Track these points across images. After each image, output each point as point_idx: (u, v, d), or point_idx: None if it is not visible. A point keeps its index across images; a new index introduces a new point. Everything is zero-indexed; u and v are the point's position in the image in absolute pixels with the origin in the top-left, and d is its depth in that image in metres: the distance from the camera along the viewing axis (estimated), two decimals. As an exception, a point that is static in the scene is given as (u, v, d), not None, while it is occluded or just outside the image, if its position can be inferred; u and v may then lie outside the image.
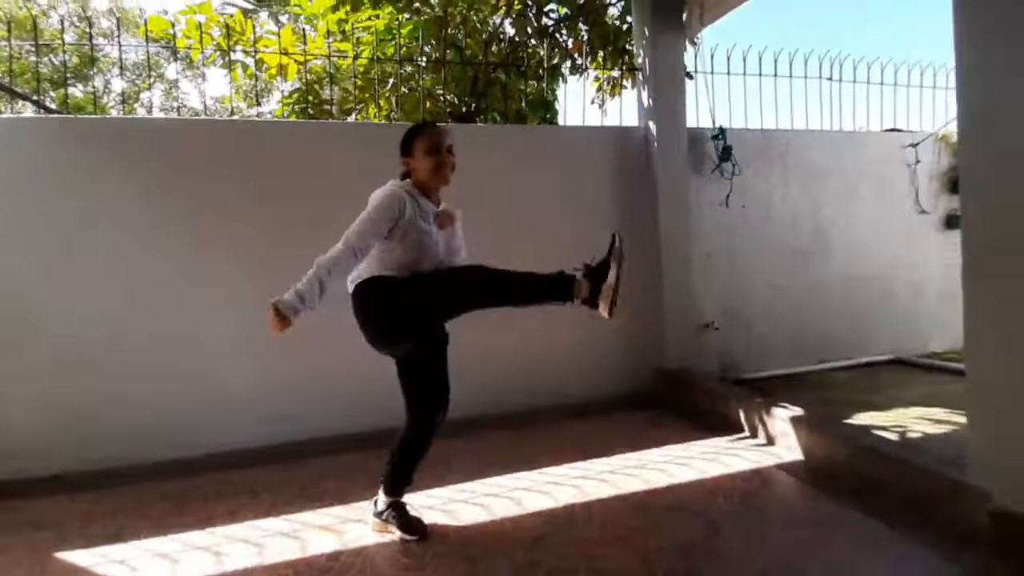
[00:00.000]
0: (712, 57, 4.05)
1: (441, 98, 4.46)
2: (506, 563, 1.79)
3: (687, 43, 4.05)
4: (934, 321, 4.50)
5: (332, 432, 2.99)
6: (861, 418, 3.02)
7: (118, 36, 3.52)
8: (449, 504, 2.24)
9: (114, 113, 9.41)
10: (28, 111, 6.90)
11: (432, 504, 2.24)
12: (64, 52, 4.55)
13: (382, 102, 4.51)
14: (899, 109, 4.58)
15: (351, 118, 4.61)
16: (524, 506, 2.16)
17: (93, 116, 3.22)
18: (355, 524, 2.11)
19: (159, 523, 2.19)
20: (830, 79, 4.31)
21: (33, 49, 3.79)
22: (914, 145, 4.47)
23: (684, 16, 3.90)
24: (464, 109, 4.77)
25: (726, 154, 3.92)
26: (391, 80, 4.45)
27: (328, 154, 3.17)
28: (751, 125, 4.20)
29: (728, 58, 4.05)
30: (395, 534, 1.97)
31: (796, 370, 4.10)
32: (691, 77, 4.10)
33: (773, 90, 4.22)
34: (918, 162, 4.49)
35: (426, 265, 1.88)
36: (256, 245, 3.03)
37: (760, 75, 4.14)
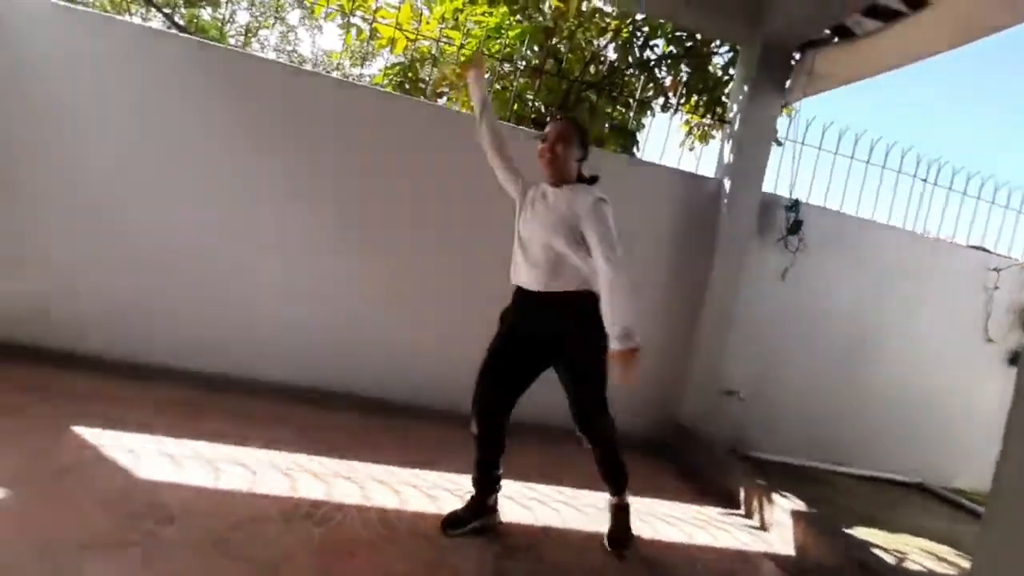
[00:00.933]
0: (807, 128, 3.98)
1: (530, 103, 4.55)
2: (475, 564, 1.83)
3: (783, 109, 4.00)
4: (970, 455, 4.26)
5: (352, 390, 3.11)
6: (861, 532, 2.90)
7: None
8: (434, 490, 2.29)
9: (232, 42, 9.99)
10: (156, 21, 7.44)
11: (418, 485, 2.30)
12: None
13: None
14: (990, 228, 4.37)
15: (440, 101, 4.76)
16: (504, 514, 2.19)
17: (220, 45, 3.46)
18: (344, 480, 2.19)
19: (173, 425, 2.35)
20: (924, 180, 4.15)
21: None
22: (998, 270, 4.26)
23: (789, 81, 3.86)
24: (548, 119, 4.84)
25: (795, 227, 3.84)
26: (487, 75, 4.57)
27: (415, 129, 3.30)
28: (829, 205, 4.10)
29: (823, 133, 3.97)
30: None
31: (810, 464, 3.96)
32: (780, 144, 4.05)
33: (862, 175, 4.10)
34: (997, 288, 4.27)
35: (528, 251, 2.01)
36: (324, 196, 3.20)
37: (852, 158, 4.03)
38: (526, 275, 2.00)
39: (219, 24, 9.42)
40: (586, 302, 1.94)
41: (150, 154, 3.03)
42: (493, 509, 2.08)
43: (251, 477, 2.06)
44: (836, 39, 3.80)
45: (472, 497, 2.06)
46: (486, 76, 2.05)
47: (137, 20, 6.82)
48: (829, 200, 4.09)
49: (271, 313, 3.15)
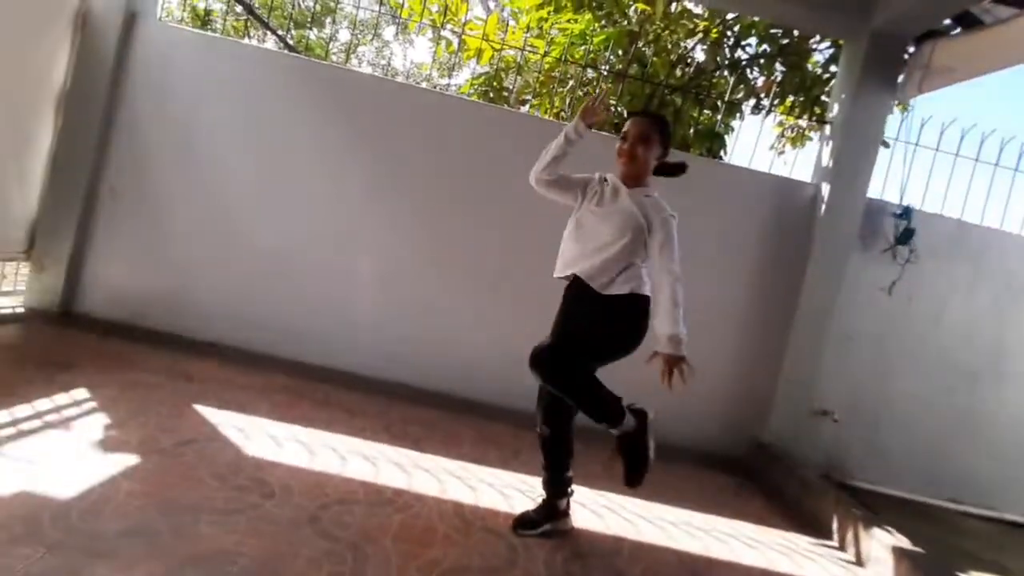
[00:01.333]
0: (921, 128, 3.62)
1: (613, 108, 4.51)
2: (543, 563, 1.84)
3: (894, 107, 3.67)
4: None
5: (431, 387, 3.27)
6: (980, 578, 2.58)
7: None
8: (508, 489, 2.34)
9: (334, 59, 10.81)
10: (270, 42, 8.20)
11: (492, 483, 2.36)
12: (315, 0, 5.31)
13: (556, 100, 4.68)
14: None
15: (524, 108, 4.84)
16: (583, 518, 2.19)
17: (324, 62, 3.77)
18: (423, 472, 2.30)
19: (275, 409, 2.59)
20: (1069, 186, 3.63)
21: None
22: None
23: (901, 77, 3.53)
24: (627, 117, 4.78)
25: (906, 236, 3.50)
26: (571, 81, 4.59)
27: (499, 137, 3.40)
28: (947, 212, 3.70)
29: (941, 133, 3.59)
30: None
31: (918, 499, 3.58)
32: (887, 146, 3.71)
33: (988, 179, 3.66)
34: None
35: (582, 244, 1.96)
36: (418, 202, 3.38)
37: (977, 160, 3.62)
38: (579, 263, 1.93)
39: (324, 43, 10.23)
40: (636, 306, 1.92)
41: (265, 163, 3.36)
42: (564, 513, 2.07)
43: (341, 462, 2.22)
44: (959, 29, 3.44)
45: (543, 500, 2.06)
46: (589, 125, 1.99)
47: (255, 42, 7.56)
48: (947, 207, 3.69)
49: (366, 311, 3.39)
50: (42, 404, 2.12)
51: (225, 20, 4.04)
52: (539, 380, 1.93)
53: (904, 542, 2.36)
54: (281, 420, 2.48)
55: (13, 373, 2.36)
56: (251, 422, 2.39)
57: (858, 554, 2.46)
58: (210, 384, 2.72)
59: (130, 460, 1.87)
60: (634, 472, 1.98)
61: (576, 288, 1.96)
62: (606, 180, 2.04)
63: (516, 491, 2.34)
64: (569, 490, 2.06)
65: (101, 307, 3.29)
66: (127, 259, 3.32)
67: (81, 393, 2.29)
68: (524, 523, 2.01)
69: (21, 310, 3.15)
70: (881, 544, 2.36)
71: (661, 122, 2.01)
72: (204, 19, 7.62)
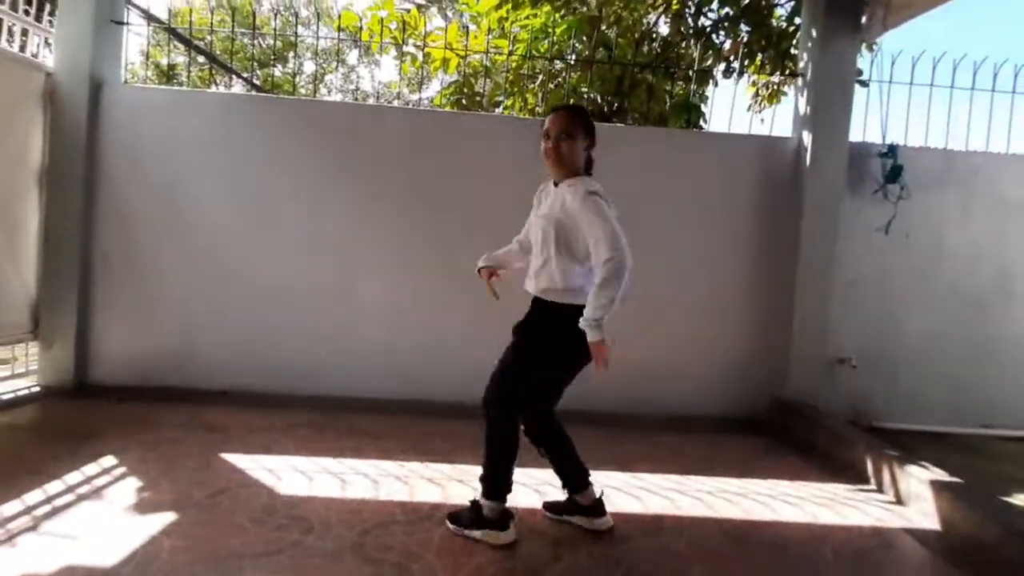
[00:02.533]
0: (893, 64, 3.62)
1: (586, 96, 4.52)
2: (588, 556, 1.85)
3: (863, 47, 3.66)
4: None
5: (446, 398, 3.27)
6: (1022, 499, 2.58)
7: (316, 26, 4.10)
8: (544, 486, 2.34)
9: (303, 92, 10.84)
10: (237, 86, 8.24)
11: (526, 483, 2.36)
12: (275, 37, 5.35)
13: (529, 96, 4.70)
14: None
15: (498, 110, 4.86)
16: (613, 504, 2.19)
17: (293, 97, 3.80)
18: (456, 483, 2.31)
19: (301, 445, 2.61)
20: (1047, 97, 3.63)
21: (248, 32, 4.54)
22: None
23: (864, 17, 3.53)
24: (606, 108, 4.79)
25: (894, 174, 3.51)
26: (540, 76, 4.61)
27: (474, 141, 3.42)
28: (932, 143, 3.69)
29: (913, 66, 3.59)
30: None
31: (948, 430, 3.58)
32: (865, 84, 3.71)
33: (968, 104, 3.66)
34: None
35: (534, 249, 1.93)
36: (404, 219, 3.39)
37: (952, 87, 3.62)
38: (531, 280, 1.91)
39: (290, 78, 10.26)
40: (569, 314, 1.76)
41: (250, 205, 3.38)
42: (592, 510, 2.00)
43: (374, 486, 2.23)
44: (913, -39, 3.44)
45: (568, 497, 2.05)
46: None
47: (223, 88, 7.59)
48: (931, 139, 3.69)
49: (371, 335, 3.41)
50: (72, 477, 2.14)
51: (189, 72, 4.07)
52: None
53: (941, 475, 2.37)
54: (308, 455, 2.50)
55: (39, 451, 2.38)
56: (279, 462, 2.41)
57: (897, 494, 2.46)
58: (232, 431, 2.73)
59: (168, 518, 1.89)
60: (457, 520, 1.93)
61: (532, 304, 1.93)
62: (544, 187, 2.00)
63: (551, 487, 2.34)
64: (584, 483, 1.99)
65: (113, 374, 3.32)
66: (130, 323, 3.35)
67: (108, 460, 2.31)
68: (551, 506, 2.06)
69: (36, 389, 3.17)
70: (919, 480, 2.36)
71: (580, 112, 1.93)
72: (169, 74, 7.66)
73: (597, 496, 2.02)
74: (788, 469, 2.76)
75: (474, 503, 1.91)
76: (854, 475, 2.70)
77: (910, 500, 2.39)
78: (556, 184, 1.89)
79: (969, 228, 3.65)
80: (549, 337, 1.83)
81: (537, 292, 1.88)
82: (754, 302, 3.54)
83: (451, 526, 1.93)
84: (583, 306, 1.72)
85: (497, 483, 1.88)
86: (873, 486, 2.60)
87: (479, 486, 1.91)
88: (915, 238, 3.62)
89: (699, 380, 3.51)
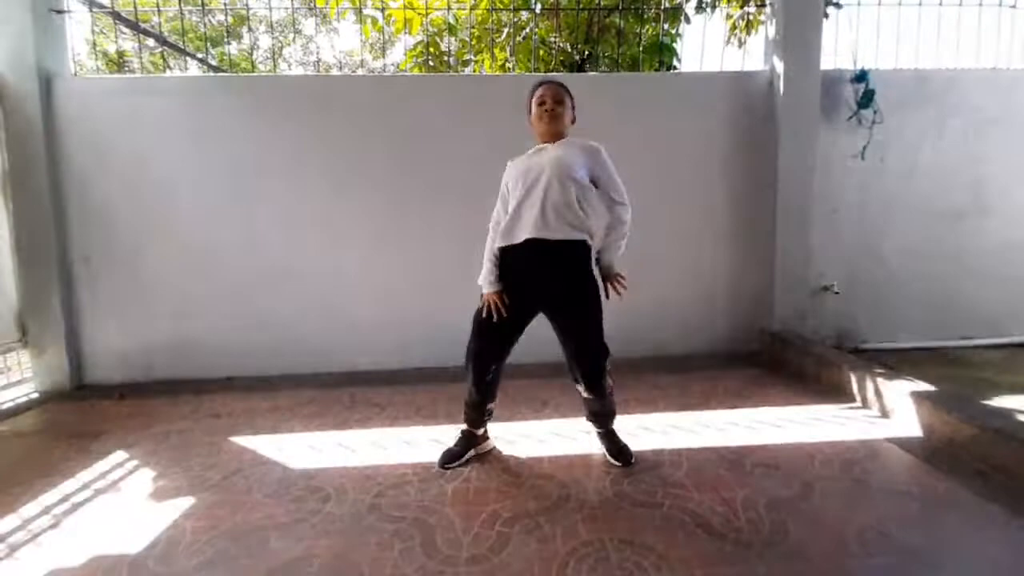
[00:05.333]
0: (861, -14, 3.57)
1: (554, 46, 4.42)
2: (595, 492, 1.95)
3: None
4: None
5: (447, 363, 3.33)
6: (1004, 401, 2.72)
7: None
8: (545, 436, 2.44)
9: (262, 68, 10.44)
10: (192, 67, 7.91)
11: (529, 434, 2.45)
12: (226, 13, 5.11)
13: (497, 51, 4.58)
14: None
15: (467, 69, 4.74)
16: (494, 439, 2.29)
17: (252, 74, 3.67)
18: (462, 442, 2.38)
19: (307, 422, 2.66)
20: (1013, 6, 3.61)
21: (197, 9, 4.34)
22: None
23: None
24: (577, 57, 4.69)
25: (867, 99, 3.52)
26: (506, 29, 4.48)
27: (446, 104, 3.35)
28: (903, 64, 3.69)
29: (882, -15, 3.55)
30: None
31: (930, 344, 3.73)
32: (839, 6, 3.66)
33: (936, 22, 3.64)
34: None
35: (531, 202, 1.98)
36: (383, 186, 3.36)
37: (920, 3, 3.58)
38: (542, 224, 1.96)
39: (247, 55, 9.86)
40: (588, 252, 2.05)
41: (223, 188, 3.33)
42: (485, 437, 2.27)
43: (383, 452, 2.30)
44: None
45: (465, 432, 2.22)
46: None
47: (178, 72, 7.29)
48: (902, 60, 3.68)
49: (365, 307, 3.43)
50: (85, 475, 2.18)
51: (141, 58, 3.89)
52: (588, 389, 2.11)
53: (922, 386, 2.49)
54: (316, 430, 2.56)
55: (48, 454, 2.41)
56: (289, 439, 2.47)
57: (882, 408, 2.59)
58: (238, 416, 2.78)
59: (186, 502, 1.95)
60: (626, 450, 2.19)
61: (553, 254, 1.97)
62: (524, 155, 2.12)
63: (554, 435, 2.43)
64: (489, 418, 2.25)
65: (111, 373, 3.33)
66: (121, 320, 3.33)
67: (119, 456, 2.35)
68: (450, 458, 2.16)
69: (35, 395, 3.18)
70: (901, 393, 2.48)
71: (566, 87, 2.13)
72: (119, 62, 7.33)
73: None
74: (779, 396, 2.88)
75: (614, 434, 2.22)
76: (841, 395, 2.82)
77: (894, 412, 2.52)
78: (553, 142, 2.07)
79: (943, 145, 3.69)
80: (594, 282, 2.05)
81: (563, 236, 1.96)
82: (737, 238, 3.60)
83: (449, 466, 2.15)
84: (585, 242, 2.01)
85: (613, 410, 2.22)
86: (859, 403, 2.73)
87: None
88: (890, 160, 3.66)
89: (689, 320, 3.60)
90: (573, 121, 2.16)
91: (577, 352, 2.05)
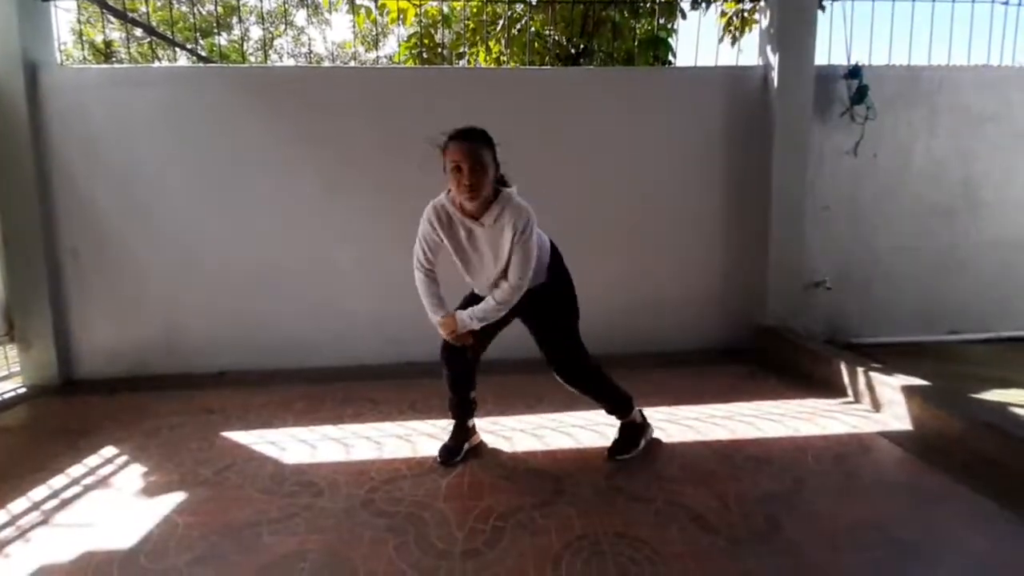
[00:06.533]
0: (855, -17, 3.57)
1: (549, 39, 4.40)
2: (589, 486, 1.95)
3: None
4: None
5: (437, 358, 3.30)
6: (990, 395, 2.75)
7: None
8: (539, 430, 2.44)
9: (252, 60, 10.32)
10: (181, 59, 7.81)
11: (523, 428, 2.45)
12: (215, 2, 5.03)
13: (492, 44, 4.54)
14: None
15: (462, 62, 4.70)
16: (608, 439, 2.29)
17: (242, 65, 3.62)
18: (456, 437, 2.38)
19: (300, 417, 2.65)
20: (1005, 3, 3.63)
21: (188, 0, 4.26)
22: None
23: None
24: (572, 51, 4.67)
25: (860, 95, 3.53)
26: (501, 21, 4.45)
27: (440, 98, 3.33)
28: (896, 61, 3.71)
29: (875, -17, 3.55)
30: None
31: (919, 339, 3.77)
32: (823, 9, 3.66)
33: (929, 18, 3.65)
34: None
35: (477, 280, 2.03)
36: (376, 180, 3.33)
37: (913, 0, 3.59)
38: (486, 292, 2.01)
39: (237, 46, 9.73)
40: (556, 261, 2.06)
41: (212, 180, 3.29)
42: (474, 430, 2.27)
43: (377, 447, 2.30)
44: None
45: (456, 426, 2.21)
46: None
47: (167, 63, 7.19)
48: (895, 56, 3.70)
49: (357, 301, 3.41)
50: (75, 471, 2.16)
51: (128, 48, 3.82)
52: (567, 383, 2.12)
53: (912, 381, 2.51)
54: (309, 425, 2.54)
55: (37, 449, 2.38)
56: (281, 434, 2.45)
57: (873, 402, 2.61)
58: (230, 411, 2.76)
59: (178, 497, 1.93)
60: (626, 446, 2.19)
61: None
62: (448, 214, 1.93)
63: (548, 430, 2.44)
64: (474, 409, 2.24)
65: (100, 368, 3.29)
66: (109, 314, 3.29)
67: (109, 451, 2.33)
68: (450, 452, 2.15)
69: (23, 391, 3.14)
70: (891, 387, 2.51)
71: (485, 137, 1.86)
72: (107, 52, 7.21)
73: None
74: (771, 390, 2.90)
75: (623, 428, 2.21)
76: (833, 390, 2.85)
77: (884, 407, 2.54)
78: (474, 216, 1.88)
79: (935, 142, 3.72)
80: (565, 288, 2.07)
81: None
82: (730, 234, 3.61)
83: (620, 457, 2.14)
84: (547, 261, 2.03)
85: (622, 400, 2.19)
86: (850, 398, 2.75)
87: (613, 421, 2.25)
88: (883, 157, 3.68)
89: (683, 316, 3.60)
90: (497, 171, 1.88)
91: (541, 341, 2.09)
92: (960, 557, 1.57)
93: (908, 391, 2.43)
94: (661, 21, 4.58)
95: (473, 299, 2.08)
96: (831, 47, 3.67)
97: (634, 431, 2.21)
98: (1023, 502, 1.79)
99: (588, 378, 2.14)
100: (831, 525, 1.71)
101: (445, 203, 1.93)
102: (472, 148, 1.79)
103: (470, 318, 1.97)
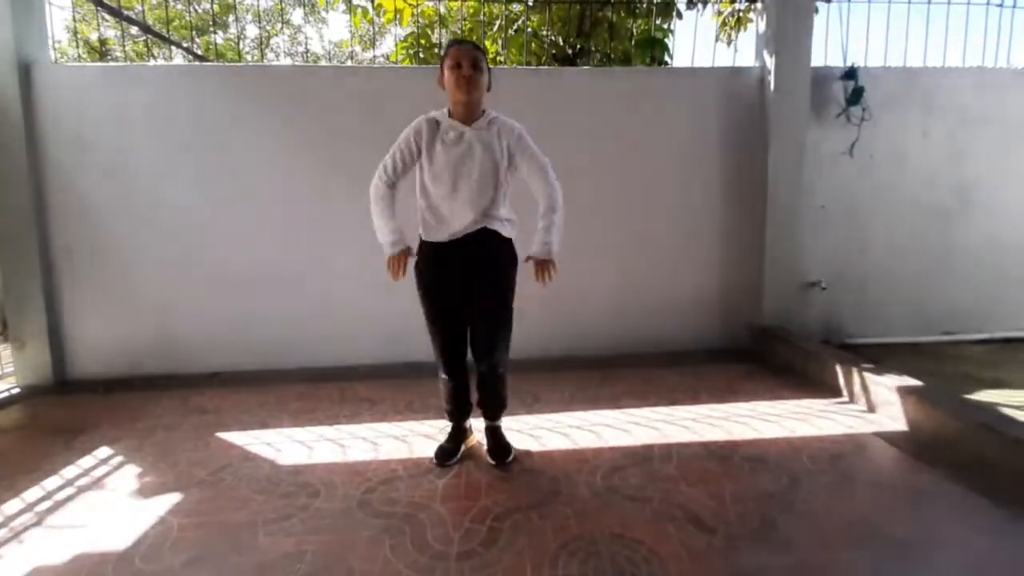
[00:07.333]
0: (851, -16, 3.58)
1: (546, 39, 4.39)
2: (586, 486, 1.95)
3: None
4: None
5: (433, 358, 3.31)
6: (984, 395, 2.77)
7: (254, -13, 3.85)
8: (536, 431, 2.44)
9: (249, 58, 10.28)
10: (178, 56, 7.77)
11: (520, 429, 2.45)
12: (212, 1, 5.01)
13: (488, 44, 4.54)
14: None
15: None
16: (604, 440, 2.30)
17: (239, 64, 3.60)
18: (453, 437, 2.37)
19: (296, 417, 2.64)
20: (1000, 5, 3.65)
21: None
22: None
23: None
24: (569, 51, 4.67)
25: (856, 97, 3.54)
26: (498, 21, 4.44)
27: (437, 98, 3.31)
28: (892, 62, 3.72)
29: (871, -16, 3.57)
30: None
31: (914, 339, 3.78)
32: (816, 11, 3.67)
33: (925, 20, 3.67)
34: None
35: (455, 193, 1.94)
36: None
37: (909, 1, 3.61)
38: (459, 219, 1.94)
39: (233, 44, 9.70)
40: (509, 246, 2.03)
41: (207, 180, 3.27)
42: (470, 431, 2.28)
43: (373, 447, 2.29)
44: None
45: (454, 428, 2.21)
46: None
47: (162, 61, 7.16)
48: (891, 58, 3.71)
49: (352, 301, 3.39)
50: (69, 471, 2.15)
51: (124, 46, 3.80)
52: (487, 357, 2.08)
53: (907, 381, 2.52)
54: (305, 425, 2.53)
55: (30, 450, 2.36)
56: (277, 435, 2.44)
57: (868, 402, 2.62)
58: (225, 411, 2.75)
59: (173, 498, 1.92)
60: (506, 448, 2.16)
61: (475, 245, 1.97)
62: (437, 123, 1.98)
63: (544, 431, 2.44)
64: (471, 410, 2.24)
65: (95, 367, 3.27)
66: (104, 314, 3.27)
67: (103, 452, 2.32)
68: (447, 454, 2.14)
69: (17, 390, 3.12)
70: (886, 388, 2.51)
71: (484, 51, 1.99)
72: (101, 50, 7.17)
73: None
74: (767, 390, 2.90)
75: (497, 432, 2.19)
76: (828, 390, 2.86)
77: (879, 407, 2.55)
78: (465, 119, 1.95)
79: (930, 143, 3.73)
80: (511, 271, 2.04)
81: (482, 225, 1.96)
82: (727, 234, 3.61)
83: (509, 460, 2.11)
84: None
85: (505, 402, 2.21)
86: (846, 398, 2.76)
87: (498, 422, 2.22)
88: (878, 158, 3.70)
89: (680, 316, 3.61)
90: (489, 88, 1.98)
91: (476, 319, 2.05)
92: (954, 556, 1.57)
93: (903, 391, 2.44)
94: (657, 21, 4.58)
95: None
96: (827, 48, 3.70)
97: (502, 434, 2.21)
98: (1017, 501, 1.80)
99: (504, 364, 2.11)
100: (826, 524, 1.71)
101: (435, 115, 2.00)
102: (470, 51, 1.91)
103: (555, 244, 1.97)
